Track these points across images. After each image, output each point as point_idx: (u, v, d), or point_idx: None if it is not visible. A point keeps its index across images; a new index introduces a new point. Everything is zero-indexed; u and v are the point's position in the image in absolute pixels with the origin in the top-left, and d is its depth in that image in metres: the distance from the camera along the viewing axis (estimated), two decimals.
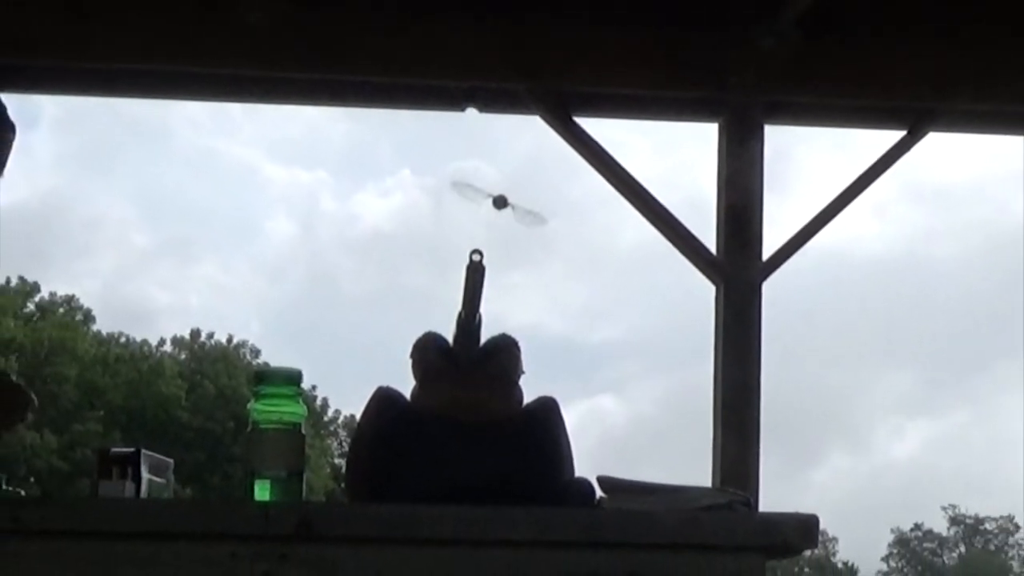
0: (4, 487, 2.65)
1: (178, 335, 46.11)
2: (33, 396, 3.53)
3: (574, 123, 6.05)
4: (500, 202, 2.80)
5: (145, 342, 45.10)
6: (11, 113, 3.60)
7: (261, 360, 44.45)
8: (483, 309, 2.85)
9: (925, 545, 77.00)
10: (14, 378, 3.54)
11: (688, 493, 2.69)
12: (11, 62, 6.02)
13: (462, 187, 2.86)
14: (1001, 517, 76.35)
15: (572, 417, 2.85)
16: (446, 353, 2.83)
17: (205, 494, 32.46)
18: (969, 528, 76.53)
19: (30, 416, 3.43)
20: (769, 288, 6.06)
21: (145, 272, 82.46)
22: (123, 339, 44.30)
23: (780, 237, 6.10)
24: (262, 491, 2.70)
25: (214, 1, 5.76)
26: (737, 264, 6.01)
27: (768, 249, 6.06)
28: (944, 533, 76.91)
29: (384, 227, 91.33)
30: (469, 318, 2.83)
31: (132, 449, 2.98)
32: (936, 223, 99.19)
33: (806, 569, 66.99)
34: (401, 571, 2.43)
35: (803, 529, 2.50)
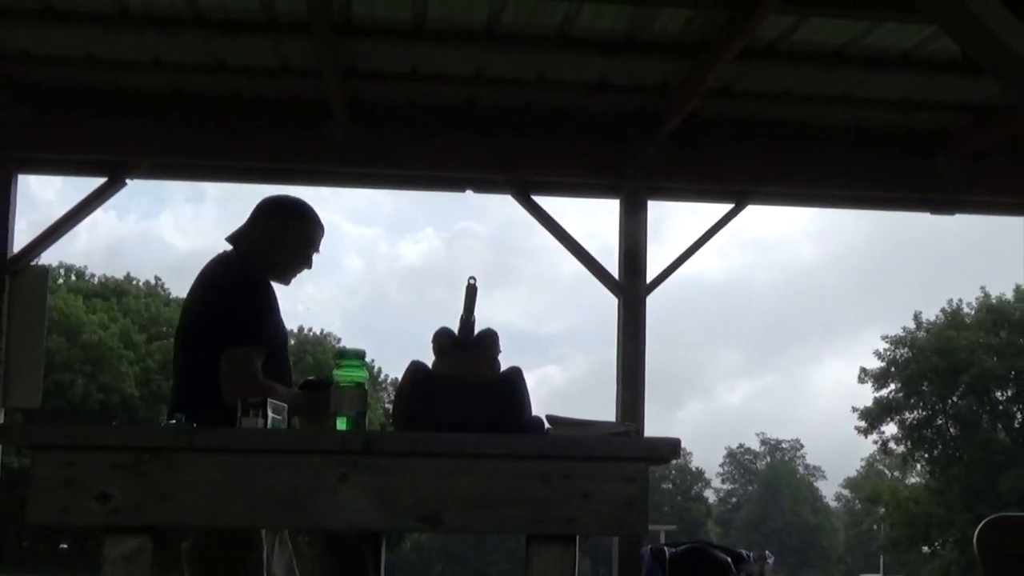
0: (183, 422, 2.63)
1: (290, 329, 46.10)
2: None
3: (532, 199, 6.06)
4: None
5: None
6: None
7: (341, 344, 44.34)
8: (476, 313, 2.84)
9: (745, 457, 77.13)
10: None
11: (603, 425, 2.70)
12: (185, 161, 6.01)
13: None
14: (792, 439, 76.82)
15: (531, 379, 2.84)
16: (453, 340, 2.82)
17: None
18: (772, 446, 76.74)
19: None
20: (651, 300, 6.08)
21: None
22: None
23: (657, 269, 6.11)
24: (341, 424, 2.68)
25: (311, 125, 5.77)
26: (631, 286, 6.01)
27: (650, 276, 6.07)
28: (757, 449, 77.12)
29: (416, 263, 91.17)
30: (467, 318, 2.83)
31: (260, 398, 2.97)
32: (753, 261, 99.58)
33: (673, 471, 66.94)
34: (427, 474, 2.41)
35: (671, 447, 2.50)
